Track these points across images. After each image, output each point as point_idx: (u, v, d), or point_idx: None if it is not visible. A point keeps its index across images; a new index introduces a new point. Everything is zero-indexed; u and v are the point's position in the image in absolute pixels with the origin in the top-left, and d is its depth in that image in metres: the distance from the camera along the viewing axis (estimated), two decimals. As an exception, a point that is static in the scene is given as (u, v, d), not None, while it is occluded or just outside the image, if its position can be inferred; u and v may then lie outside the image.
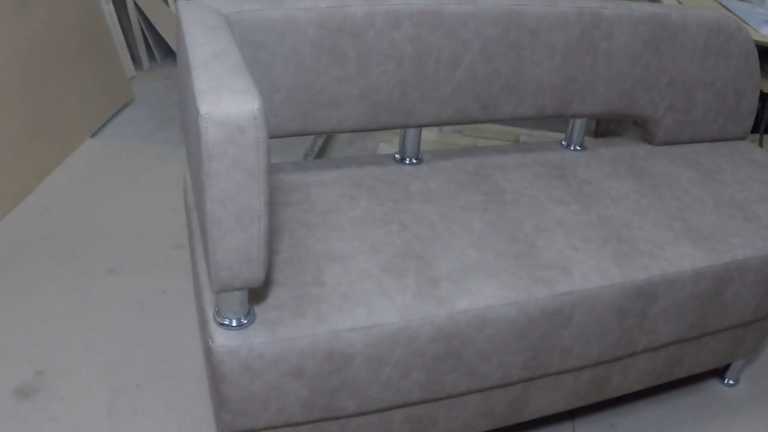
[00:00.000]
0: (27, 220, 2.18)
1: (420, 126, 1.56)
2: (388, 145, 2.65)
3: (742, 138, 1.90)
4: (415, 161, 1.60)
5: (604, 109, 1.71)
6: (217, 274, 1.04)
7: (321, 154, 2.65)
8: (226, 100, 0.93)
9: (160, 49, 3.34)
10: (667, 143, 1.82)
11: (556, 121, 2.96)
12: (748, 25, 2.30)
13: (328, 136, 2.76)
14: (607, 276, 1.32)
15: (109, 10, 2.95)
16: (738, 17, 2.36)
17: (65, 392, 1.63)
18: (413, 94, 1.51)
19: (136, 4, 3.11)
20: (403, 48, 1.45)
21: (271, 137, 1.46)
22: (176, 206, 2.29)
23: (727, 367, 1.88)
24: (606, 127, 2.89)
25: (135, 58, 3.22)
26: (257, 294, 1.18)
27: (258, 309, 1.15)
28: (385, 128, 1.53)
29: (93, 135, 2.66)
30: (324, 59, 1.41)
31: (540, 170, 1.62)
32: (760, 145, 2.51)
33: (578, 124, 1.74)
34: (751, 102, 1.83)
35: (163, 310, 1.86)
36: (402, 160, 1.60)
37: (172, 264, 2.03)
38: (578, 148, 1.74)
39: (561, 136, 2.63)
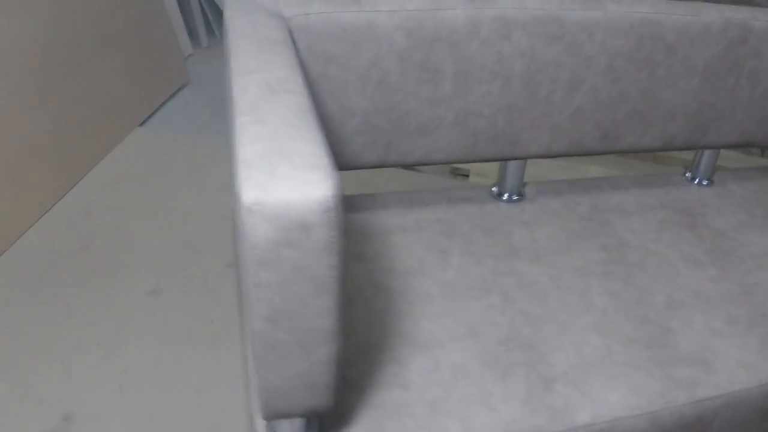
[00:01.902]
0: (65, 224, 1.90)
1: (525, 158, 1.21)
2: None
3: None
4: (515, 198, 1.25)
5: (740, 140, 1.34)
6: (268, 402, 0.72)
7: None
8: (284, 181, 0.59)
9: (219, 24, 3.01)
10: (812, 179, 1.43)
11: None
12: None
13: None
14: (755, 373, 1.00)
15: (164, -18, 2.63)
16: None
17: (93, 446, 1.35)
18: (521, 121, 1.16)
19: (194, -24, 2.78)
20: (513, 64, 1.10)
21: (341, 170, 1.12)
22: (230, 215, 1.98)
23: None
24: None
25: (191, 34, 2.90)
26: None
27: (322, 420, 0.84)
28: (483, 160, 1.19)
29: (142, 123, 2.36)
30: (413, 76, 1.07)
31: (665, 215, 1.26)
32: None
33: (707, 156, 1.37)
34: None
35: (211, 343, 1.56)
36: (500, 195, 1.26)
37: (223, 286, 1.73)
38: (704, 182, 1.37)
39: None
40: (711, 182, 1.38)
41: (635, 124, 1.23)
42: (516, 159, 1.21)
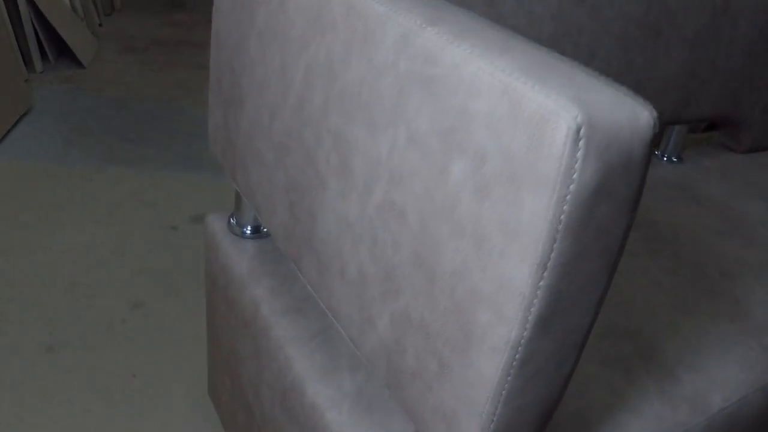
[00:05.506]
0: None
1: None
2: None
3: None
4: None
5: (711, 113, 1.28)
6: None
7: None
8: (599, 94, 0.37)
9: (52, 48, 2.56)
10: (752, 151, 1.41)
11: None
12: None
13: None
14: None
15: (-5, 1, 2.16)
16: None
17: None
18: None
19: (26, -6, 2.32)
20: (543, 26, 0.93)
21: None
22: (120, 248, 1.61)
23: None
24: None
25: (25, 59, 2.43)
26: None
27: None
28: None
29: (-13, 154, 1.89)
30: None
31: (667, 192, 1.16)
32: None
33: (676, 133, 1.29)
34: None
35: (141, 404, 1.21)
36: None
37: (134, 332, 1.37)
38: (674, 159, 1.29)
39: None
40: (680, 159, 1.30)
41: (634, 98, 1.12)
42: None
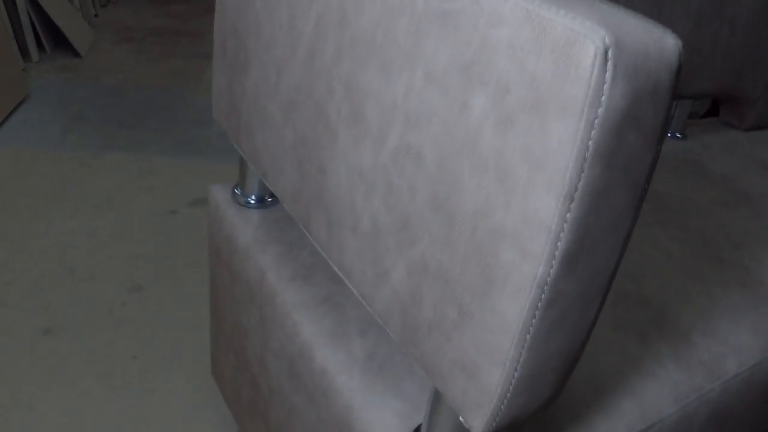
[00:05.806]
0: None
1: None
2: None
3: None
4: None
5: (713, 89, 1.27)
6: (512, 401, 0.46)
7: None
8: (631, 21, 0.36)
9: (48, 38, 2.54)
10: (755, 129, 1.40)
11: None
12: None
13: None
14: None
15: (-11, -14, 2.15)
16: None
17: None
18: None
19: (21, -19, 2.30)
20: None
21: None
22: (119, 232, 1.59)
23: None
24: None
25: (21, 49, 2.41)
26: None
27: None
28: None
29: (-16, 141, 1.87)
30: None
31: (673, 165, 1.15)
32: None
33: (681, 107, 1.28)
34: None
35: (141, 387, 1.19)
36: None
37: (134, 315, 1.35)
38: (678, 135, 1.29)
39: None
40: (684, 136, 1.29)
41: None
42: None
